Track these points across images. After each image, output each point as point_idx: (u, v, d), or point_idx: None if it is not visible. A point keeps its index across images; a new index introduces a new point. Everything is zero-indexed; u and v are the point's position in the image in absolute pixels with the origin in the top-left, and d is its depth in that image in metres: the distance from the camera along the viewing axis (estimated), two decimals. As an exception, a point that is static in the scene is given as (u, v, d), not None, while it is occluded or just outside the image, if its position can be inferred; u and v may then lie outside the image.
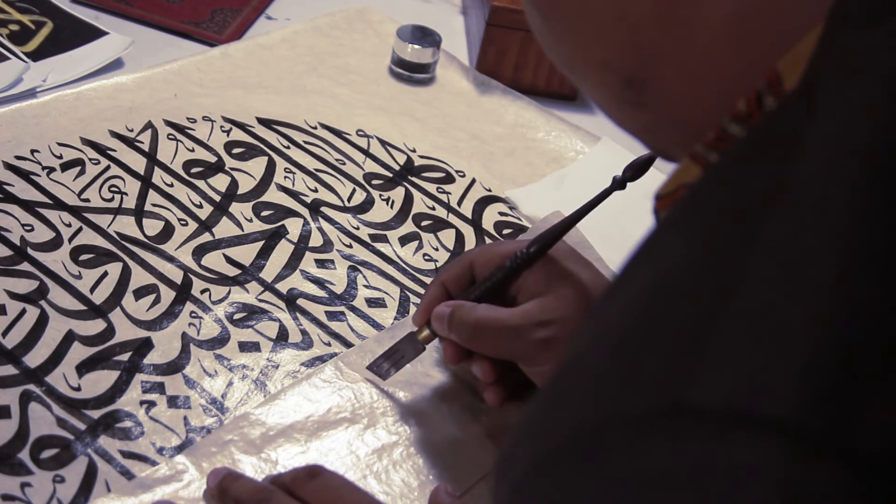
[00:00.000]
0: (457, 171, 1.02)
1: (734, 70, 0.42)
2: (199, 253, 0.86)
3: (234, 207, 0.92)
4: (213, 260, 0.86)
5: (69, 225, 0.86)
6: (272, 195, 0.94)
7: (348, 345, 0.82)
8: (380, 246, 0.92)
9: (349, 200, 0.96)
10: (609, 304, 0.39)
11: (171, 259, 0.85)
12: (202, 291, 0.83)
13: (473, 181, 1.01)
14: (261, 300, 0.84)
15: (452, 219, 0.96)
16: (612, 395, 0.34)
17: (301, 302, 0.84)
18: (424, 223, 0.95)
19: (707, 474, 0.31)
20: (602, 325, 0.38)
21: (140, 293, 0.81)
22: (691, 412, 0.32)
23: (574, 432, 0.35)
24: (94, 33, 1.08)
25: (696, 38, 0.42)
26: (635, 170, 0.74)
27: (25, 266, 0.81)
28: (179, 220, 0.89)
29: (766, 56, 0.40)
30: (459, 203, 0.98)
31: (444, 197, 0.99)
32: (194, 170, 0.95)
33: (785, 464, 0.31)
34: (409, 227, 0.95)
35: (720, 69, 0.42)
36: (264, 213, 0.92)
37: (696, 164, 0.43)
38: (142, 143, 0.96)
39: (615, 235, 0.97)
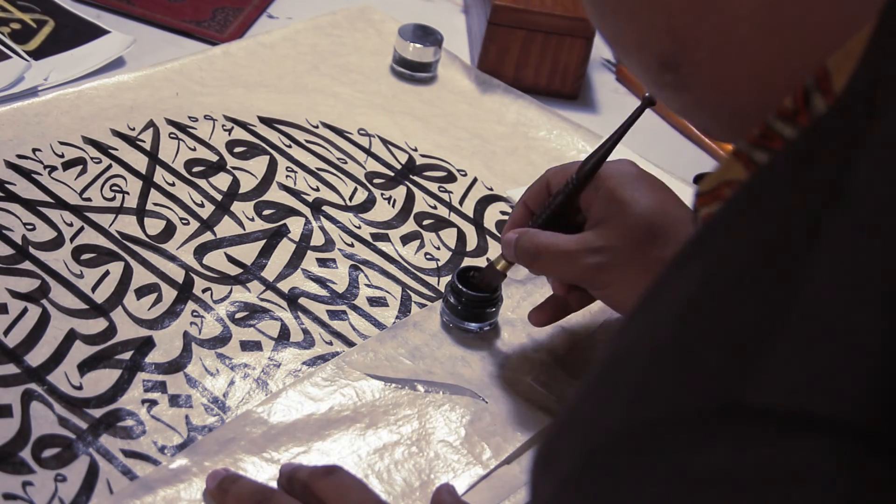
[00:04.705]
0: (458, 170, 1.02)
1: (769, 58, 0.42)
2: (200, 252, 0.86)
3: (236, 206, 0.92)
4: (215, 259, 0.86)
5: (71, 224, 0.86)
6: (274, 194, 0.94)
7: (350, 344, 0.81)
8: (381, 245, 0.92)
9: (351, 199, 0.96)
10: (659, 298, 0.38)
11: (172, 258, 0.85)
12: (204, 290, 0.83)
13: (475, 180, 1.01)
14: (262, 299, 0.84)
15: (454, 218, 0.96)
16: (667, 391, 0.34)
17: (303, 301, 0.84)
18: (426, 222, 0.95)
19: (767, 475, 0.31)
20: (654, 318, 0.37)
21: (141, 292, 0.81)
22: (752, 411, 0.32)
23: (626, 427, 0.34)
24: (95, 32, 1.08)
25: (730, 26, 0.42)
26: None
27: (27, 265, 0.81)
28: (181, 219, 0.89)
29: (803, 46, 0.40)
30: (461, 202, 0.98)
31: (445, 196, 0.99)
32: (196, 169, 0.95)
33: (847, 466, 0.30)
34: (410, 226, 0.94)
35: (755, 57, 0.42)
36: (266, 212, 0.92)
37: (739, 161, 0.43)
38: (143, 141, 0.96)
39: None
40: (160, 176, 0.93)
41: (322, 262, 0.88)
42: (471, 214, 0.97)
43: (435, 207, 0.97)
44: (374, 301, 0.86)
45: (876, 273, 0.33)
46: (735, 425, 0.32)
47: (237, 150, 0.98)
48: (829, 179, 0.36)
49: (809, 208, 0.36)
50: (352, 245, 0.91)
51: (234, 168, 0.96)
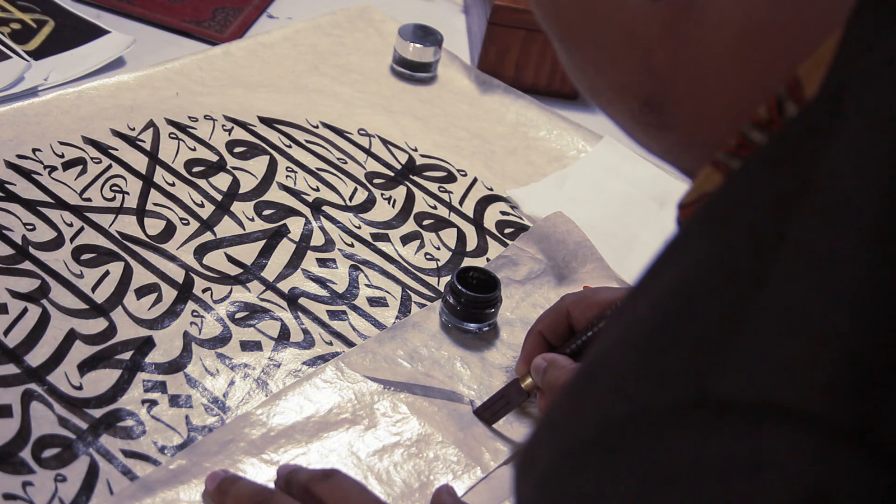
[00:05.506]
0: (458, 171, 1.02)
1: (747, 87, 0.42)
2: (200, 252, 0.86)
3: (236, 206, 0.92)
4: (215, 259, 0.86)
5: (71, 224, 0.86)
6: (274, 194, 0.94)
7: (350, 344, 0.82)
8: (381, 245, 0.92)
9: (351, 199, 0.96)
10: (634, 303, 0.39)
11: (172, 258, 0.85)
12: (204, 290, 0.83)
13: (475, 180, 1.01)
14: (262, 299, 0.84)
15: (454, 218, 0.96)
16: (640, 389, 0.35)
17: (303, 301, 0.84)
18: (426, 222, 0.95)
19: (735, 465, 0.32)
20: (628, 322, 0.38)
21: (142, 292, 0.81)
22: (720, 404, 0.33)
23: (602, 425, 0.35)
24: (95, 32, 1.08)
25: (707, 59, 0.42)
26: None
27: (27, 265, 0.81)
28: (181, 219, 0.89)
29: (779, 69, 0.41)
30: (461, 202, 0.98)
31: (445, 196, 0.99)
32: (196, 169, 0.95)
33: (812, 455, 0.31)
34: (410, 226, 0.95)
35: (733, 87, 0.43)
36: (266, 212, 0.92)
37: (718, 171, 0.44)
38: (143, 142, 0.96)
39: (618, 235, 0.97)
40: (160, 176, 0.93)
41: (322, 262, 0.88)
42: (471, 214, 0.97)
43: (435, 207, 0.97)
44: (374, 301, 0.86)
45: (839, 268, 0.34)
46: (703, 418, 0.33)
47: (237, 150, 0.98)
48: (796, 180, 0.36)
49: (777, 208, 0.36)
50: (352, 245, 0.91)
51: (234, 168, 0.96)
